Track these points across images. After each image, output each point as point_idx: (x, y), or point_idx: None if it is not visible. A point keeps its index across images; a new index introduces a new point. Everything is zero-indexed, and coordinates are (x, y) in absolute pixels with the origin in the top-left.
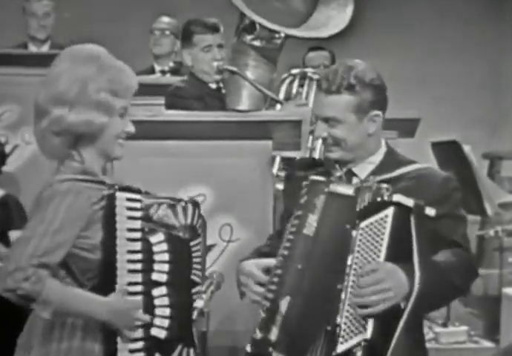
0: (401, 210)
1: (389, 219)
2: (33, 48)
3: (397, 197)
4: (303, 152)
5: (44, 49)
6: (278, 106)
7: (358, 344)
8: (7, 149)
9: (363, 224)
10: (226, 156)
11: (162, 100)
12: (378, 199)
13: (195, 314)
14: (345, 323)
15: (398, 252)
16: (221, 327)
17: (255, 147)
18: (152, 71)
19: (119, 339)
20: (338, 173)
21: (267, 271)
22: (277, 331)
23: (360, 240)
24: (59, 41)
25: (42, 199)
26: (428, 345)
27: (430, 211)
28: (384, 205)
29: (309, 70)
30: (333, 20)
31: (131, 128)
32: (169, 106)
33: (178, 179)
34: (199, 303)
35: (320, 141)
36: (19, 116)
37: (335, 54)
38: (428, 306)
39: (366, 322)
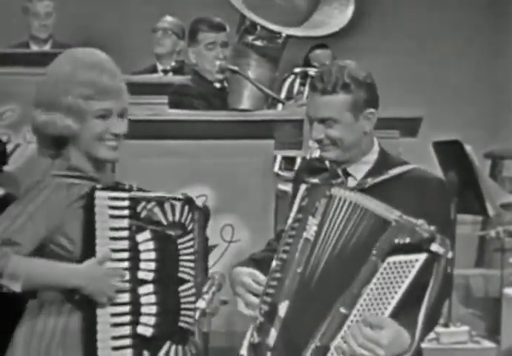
0: (430, 257)
1: (418, 265)
2: (34, 47)
3: (434, 247)
4: (304, 151)
5: (46, 48)
6: (280, 105)
7: None
8: (9, 148)
9: (391, 259)
10: (228, 156)
11: (164, 99)
12: (415, 238)
13: (197, 315)
14: (335, 347)
15: (411, 297)
16: (220, 328)
17: (257, 146)
18: (154, 70)
19: (99, 322)
20: (340, 179)
21: (259, 285)
22: (276, 336)
23: (381, 274)
24: (61, 40)
25: (24, 191)
26: (429, 345)
27: (450, 254)
28: (418, 248)
29: (311, 69)
30: (334, 19)
31: (118, 130)
32: (174, 103)
33: (179, 179)
34: (201, 304)
35: None
36: (21, 115)
37: (335, 55)
38: None
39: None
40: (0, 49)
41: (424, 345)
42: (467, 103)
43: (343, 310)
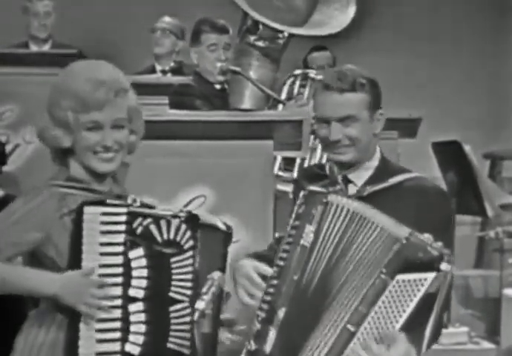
0: (438, 274)
1: (427, 283)
2: (33, 47)
3: (444, 266)
4: (303, 152)
5: (45, 48)
6: (280, 106)
7: None
8: (8, 148)
9: (400, 277)
10: (227, 157)
11: (163, 100)
12: (426, 257)
13: (196, 316)
14: None
15: (418, 316)
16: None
17: (256, 147)
18: (153, 71)
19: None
20: (338, 186)
21: (263, 278)
22: (272, 343)
23: (390, 292)
24: (60, 40)
25: (18, 198)
26: None
27: (454, 269)
28: (429, 267)
29: (311, 71)
30: (335, 20)
31: (109, 142)
32: (175, 104)
33: (179, 179)
34: (200, 305)
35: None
36: (20, 115)
37: (335, 56)
38: None
39: None
40: (0, 49)
41: None
42: (467, 103)
43: (350, 327)
